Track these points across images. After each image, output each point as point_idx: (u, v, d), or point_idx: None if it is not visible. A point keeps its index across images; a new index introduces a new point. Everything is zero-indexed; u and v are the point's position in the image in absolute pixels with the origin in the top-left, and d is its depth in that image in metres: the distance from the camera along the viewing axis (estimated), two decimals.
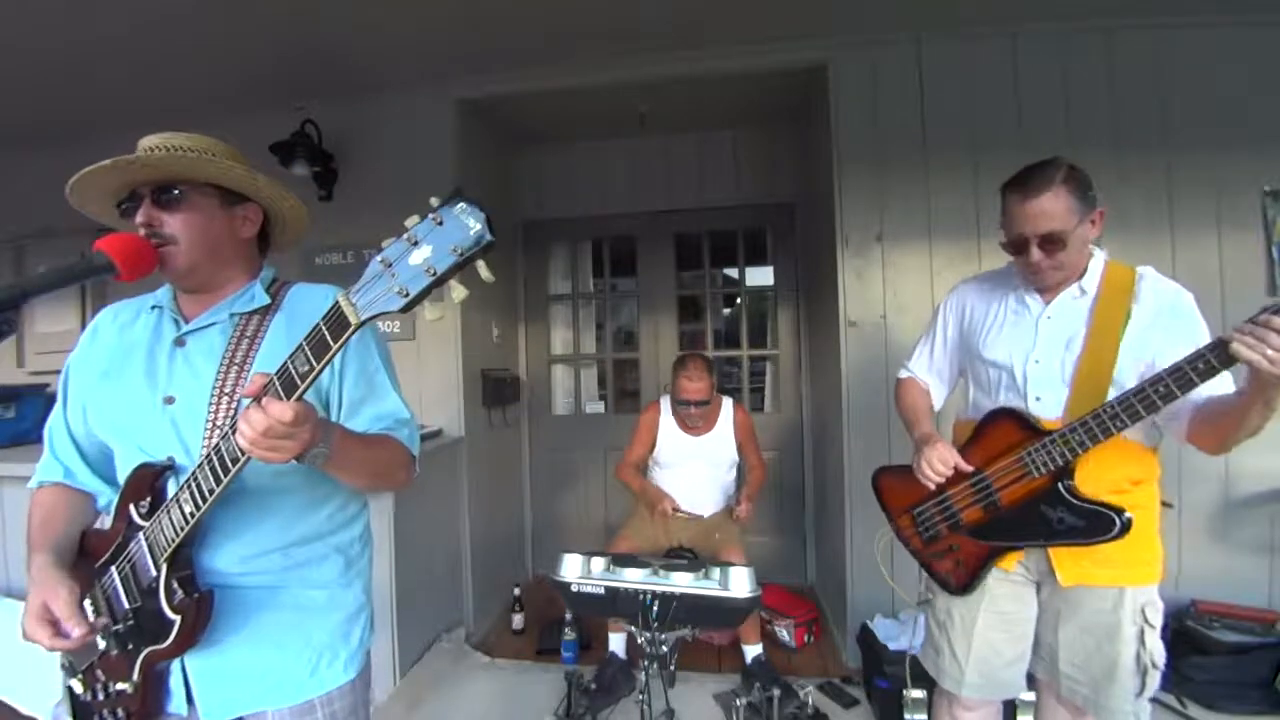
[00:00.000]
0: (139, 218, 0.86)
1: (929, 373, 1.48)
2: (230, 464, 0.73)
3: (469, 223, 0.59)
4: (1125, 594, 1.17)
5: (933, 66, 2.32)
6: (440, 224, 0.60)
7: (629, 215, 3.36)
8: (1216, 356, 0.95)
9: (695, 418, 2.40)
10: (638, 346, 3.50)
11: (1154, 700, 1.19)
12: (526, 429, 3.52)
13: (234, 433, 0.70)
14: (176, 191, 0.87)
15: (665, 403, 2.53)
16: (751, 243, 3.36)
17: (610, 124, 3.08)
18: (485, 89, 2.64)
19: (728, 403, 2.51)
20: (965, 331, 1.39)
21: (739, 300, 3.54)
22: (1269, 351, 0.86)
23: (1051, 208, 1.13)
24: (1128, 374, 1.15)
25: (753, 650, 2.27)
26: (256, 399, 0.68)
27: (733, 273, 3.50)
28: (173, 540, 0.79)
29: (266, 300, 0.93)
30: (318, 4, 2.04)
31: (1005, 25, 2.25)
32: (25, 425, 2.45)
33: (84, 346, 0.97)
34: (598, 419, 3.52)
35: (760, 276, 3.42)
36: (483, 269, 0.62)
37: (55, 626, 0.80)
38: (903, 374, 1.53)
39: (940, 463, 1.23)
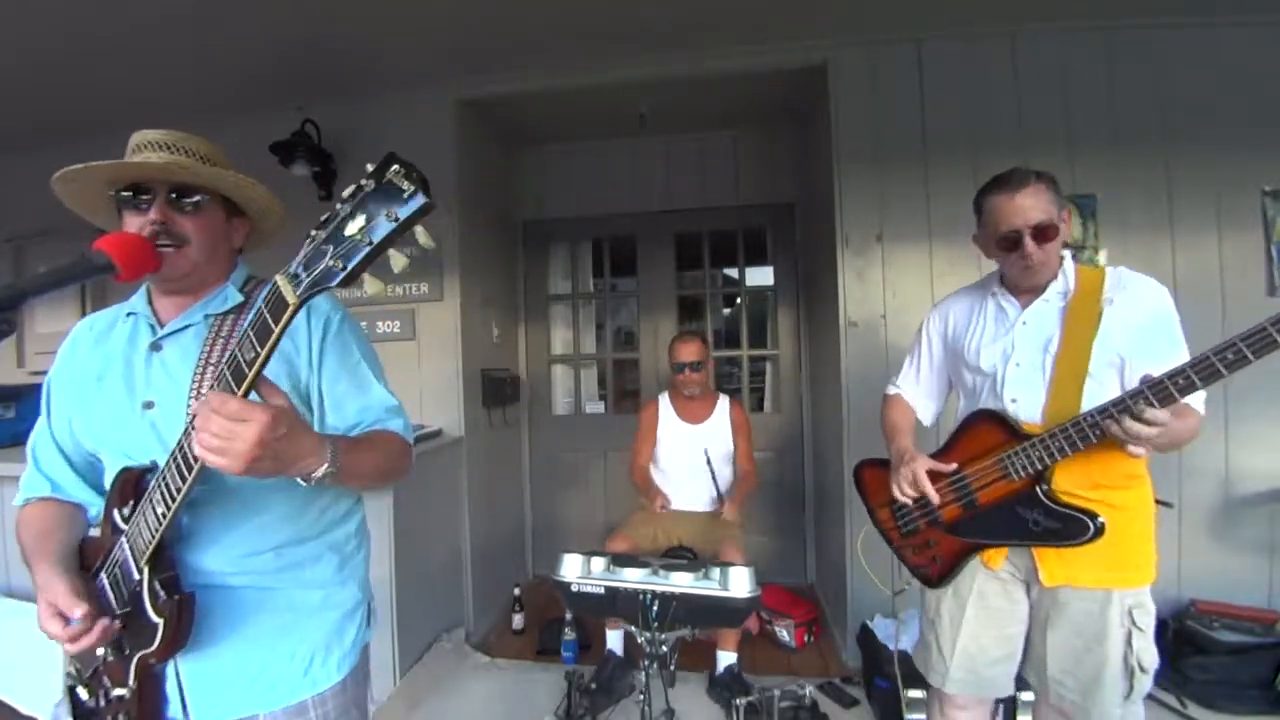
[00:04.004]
0: (153, 214, 0.85)
1: (917, 390, 1.50)
2: (193, 460, 0.71)
3: (404, 186, 0.56)
4: (1112, 596, 1.17)
5: (933, 66, 2.32)
6: (375, 190, 0.57)
7: (629, 215, 3.36)
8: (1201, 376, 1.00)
9: (692, 384, 2.41)
10: (638, 346, 3.50)
11: (1154, 700, 1.19)
12: (526, 429, 3.52)
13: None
14: (201, 198, 0.89)
15: (663, 399, 2.55)
16: (751, 243, 3.35)
17: (610, 124, 3.08)
18: (485, 89, 2.64)
19: (724, 398, 2.55)
20: (951, 343, 1.41)
21: (739, 300, 3.54)
22: (1132, 434, 1.01)
23: (1037, 200, 1.17)
24: (1104, 373, 1.17)
25: (727, 658, 2.21)
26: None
27: (733, 273, 3.49)
28: (150, 542, 0.78)
29: (240, 299, 0.93)
30: (317, 4, 2.04)
31: (1005, 25, 2.26)
32: (25, 425, 2.45)
33: (63, 359, 0.97)
34: (598, 419, 3.52)
35: (760, 276, 3.41)
36: (421, 235, 0.58)
37: (64, 618, 0.79)
38: (890, 390, 1.55)
39: (909, 485, 1.28)
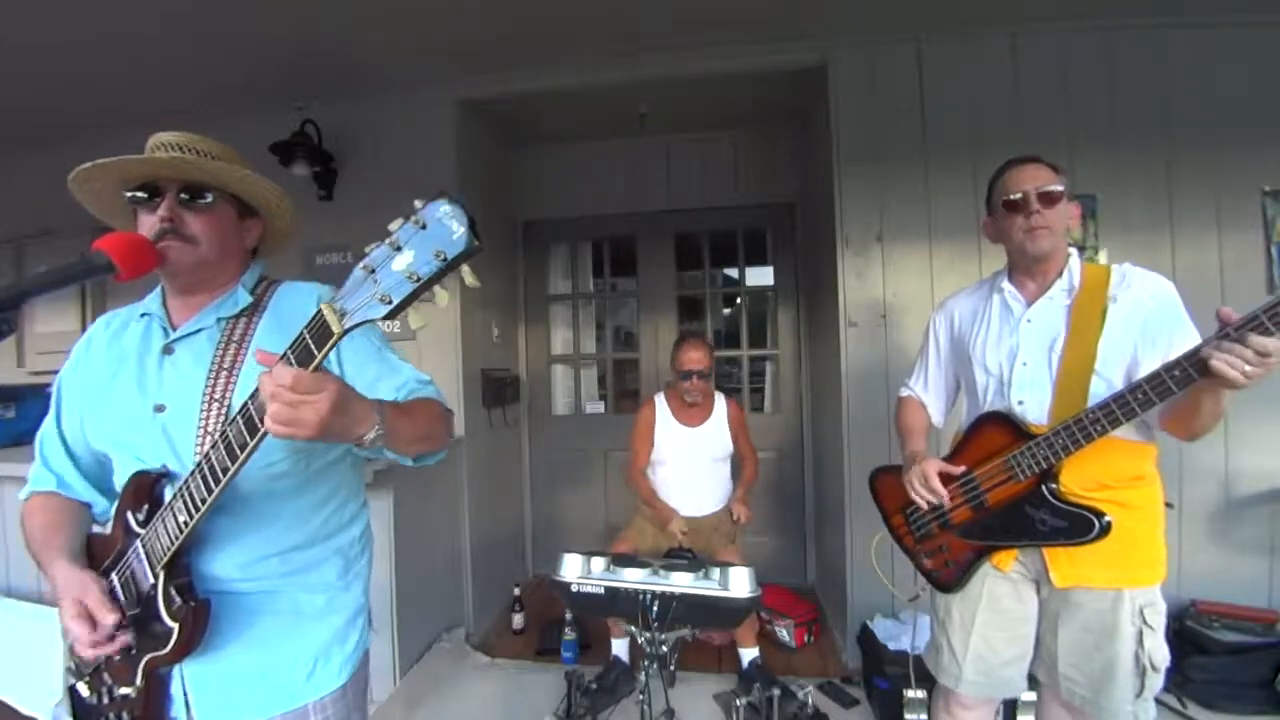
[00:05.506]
0: (161, 211, 0.86)
1: (926, 391, 1.51)
2: (221, 472, 0.72)
3: (452, 226, 0.57)
4: (1124, 595, 1.17)
5: (933, 66, 2.32)
6: (423, 228, 0.58)
7: (629, 215, 3.36)
8: (1194, 367, 0.98)
9: (695, 391, 2.40)
10: (638, 346, 3.50)
11: (1154, 700, 1.19)
12: (526, 429, 3.52)
13: (248, 416, 0.69)
14: (209, 197, 0.89)
15: (660, 399, 2.54)
16: (751, 243, 3.36)
17: (610, 124, 3.08)
18: (485, 89, 2.64)
19: (720, 397, 2.53)
20: (956, 340, 1.42)
21: (739, 300, 3.54)
22: (1246, 368, 0.91)
23: (1048, 174, 1.23)
24: (1112, 371, 1.17)
25: (749, 654, 2.26)
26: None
27: (733, 273, 3.50)
28: (168, 549, 0.79)
29: (250, 301, 0.94)
30: (318, 4, 2.04)
31: (1005, 25, 2.26)
32: (25, 425, 2.46)
33: (78, 357, 0.97)
34: (598, 419, 3.52)
35: (760, 276, 3.41)
36: (467, 274, 0.60)
37: (92, 621, 0.80)
38: (903, 392, 1.57)
39: (922, 486, 1.28)
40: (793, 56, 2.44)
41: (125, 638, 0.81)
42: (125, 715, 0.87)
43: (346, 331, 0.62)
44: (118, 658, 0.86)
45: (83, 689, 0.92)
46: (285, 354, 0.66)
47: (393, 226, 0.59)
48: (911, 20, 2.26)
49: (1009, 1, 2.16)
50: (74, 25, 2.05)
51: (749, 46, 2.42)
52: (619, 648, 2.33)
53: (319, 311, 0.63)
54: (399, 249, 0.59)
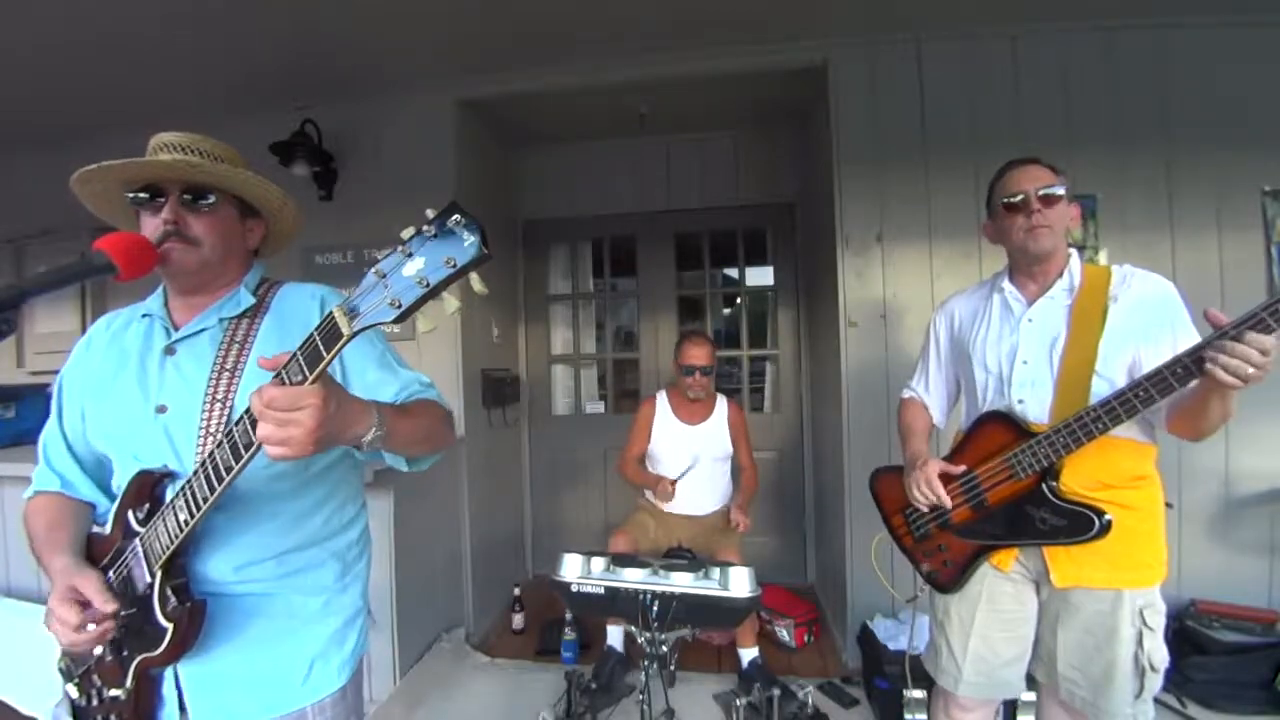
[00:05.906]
0: (165, 214, 0.86)
1: (928, 392, 1.51)
2: (225, 472, 0.72)
3: (463, 235, 0.58)
4: (1123, 596, 1.17)
5: (933, 66, 2.32)
6: (434, 236, 0.59)
7: (629, 215, 3.36)
8: (1195, 364, 0.98)
9: (698, 387, 2.40)
10: (638, 346, 3.50)
11: (1154, 700, 1.19)
12: (526, 429, 3.52)
13: (250, 426, 0.69)
14: (212, 199, 0.89)
15: (661, 397, 2.54)
16: (751, 243, 3.36)
17: (610, 124, 3.08)
18: (485, 89, 2.64)
19: (722, 399, 2.53)
20: (956, 339, 1.42)
21: (739, 300, 3.54)
22: (1249, 370, 0.92)
23: (1048, 175, 1.24)
24: (1114, 370, 1.17)
25: (749, 654, 2.26)
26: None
27: (733, 273, 3.50)
28: (167, 548, 0.79)
29: (252, 301, 0.94)
30: (318, 4, 2.04)
31: (1005, 25, 2.26)
32: (25, 425, 2.45)
33: (78, 356, 0.97)
34: (598, 419, 3.52)
35: (760, 276, 3.42)
36: (476, 282, 0.62)
37: (84, 606, 0.79)
38: (905, 394, 1.57)
39: (921, 494, 1.29)
40: (793, 56, 2.44)
41: (109, 624, 0.80)
42: (114, 717, 0.87)
43: (356, 333, 0.63)
44: (109, 658, 0.86)
45: (72, 690, 0.92)
46: (294, 355, 0.66)
47: (405, 234, 0.61)
48: (911, 20, 2.26)
49: (1009, 1, 2.16)
50: (74, 25, 2.05)
51: (749, 46, 2.42)
52: (614, 636, 2.33)
53: (330, 315, 0.65)
54: (410, 255, 0.60)
